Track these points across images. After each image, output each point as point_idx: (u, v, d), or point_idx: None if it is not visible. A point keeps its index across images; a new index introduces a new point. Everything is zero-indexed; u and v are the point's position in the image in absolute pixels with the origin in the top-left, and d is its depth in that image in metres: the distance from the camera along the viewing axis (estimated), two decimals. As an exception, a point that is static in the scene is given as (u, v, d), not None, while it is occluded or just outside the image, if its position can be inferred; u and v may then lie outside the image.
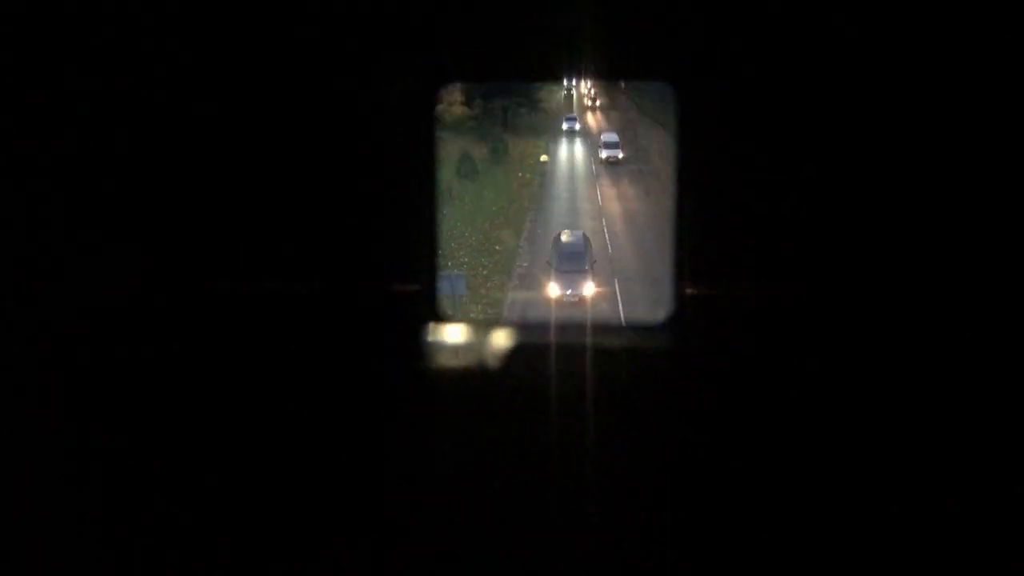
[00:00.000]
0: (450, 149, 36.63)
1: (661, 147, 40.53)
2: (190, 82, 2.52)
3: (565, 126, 54.56)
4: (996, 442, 2.45)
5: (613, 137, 48.72)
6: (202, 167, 2.56)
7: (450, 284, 24.60)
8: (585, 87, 58.68)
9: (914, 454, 2.53)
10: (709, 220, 2.81)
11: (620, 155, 46.17)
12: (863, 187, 2.51)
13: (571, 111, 57.21)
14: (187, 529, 2.60)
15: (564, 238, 31.21)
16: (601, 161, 46.84)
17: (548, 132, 52.49)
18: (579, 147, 51.12)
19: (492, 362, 2.95)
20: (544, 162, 47.01)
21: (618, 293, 27.81)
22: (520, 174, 40.64)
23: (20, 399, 2.48)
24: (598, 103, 62.92)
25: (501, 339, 3.04)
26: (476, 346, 3.01)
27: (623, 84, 55.30)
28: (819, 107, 2.51)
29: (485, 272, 29.52)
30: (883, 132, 2.48)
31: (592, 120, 58.29)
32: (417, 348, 2.94)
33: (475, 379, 2.91)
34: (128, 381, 2.55)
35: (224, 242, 2.61)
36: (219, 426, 2.60)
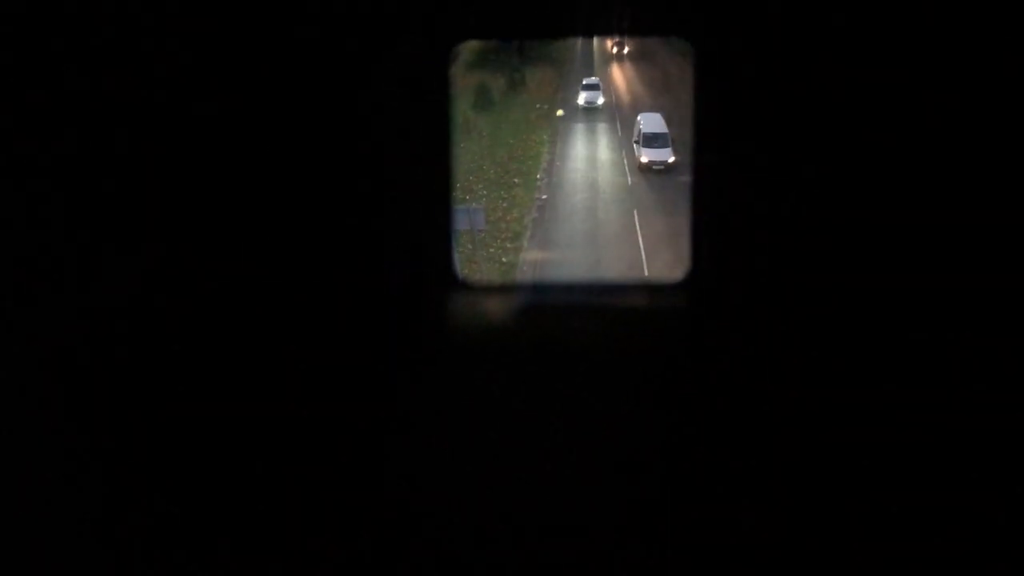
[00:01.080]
0: (466, 81, 36.11)
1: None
2: (196, 62, 2.51)
3: (583, 98, 36.48)
4: (996, 442, 2.47)
5: (657, 124, 29.82)
6: (208, 138, 2.55)
7: (468, 218, 24.44)
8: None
9: (914, 453, 2.54)
10: (728, 178, 2.79)
11: (671, 158, 28.28)
12: (884, 150, 2.48)
13: (590, 70, 39.98)
14: (189, 525, 2.66)
15: None
16: (640, 166, 29.13)
17: (555, 104, 36.32)
18: (602, 141, 33.00)
19: (509, 325, 2.97)
20: (560, 116, 34.68)
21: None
22: (538, 105, 39.48)
23: (20, 399, 2.52)
24: (625, 50, 43.36)
25: (517, 302, 3.06)
26: (493, 310, 3.03)
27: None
28: (844, 65, 2.47)
29: (505, 205, 29.38)
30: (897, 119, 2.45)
31: (619, 77, 40.50)
32: (434, 314, 2.96)
33: (493, 343, 2.93)
34: (128, 381, 2.59)
35: (231, 216, 2.61)
36: (230, 413, 2.64)
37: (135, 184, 2.54)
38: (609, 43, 44.24)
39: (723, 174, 2.78)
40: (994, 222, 2.44)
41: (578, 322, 2.98)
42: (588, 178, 30.67)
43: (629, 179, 29.30)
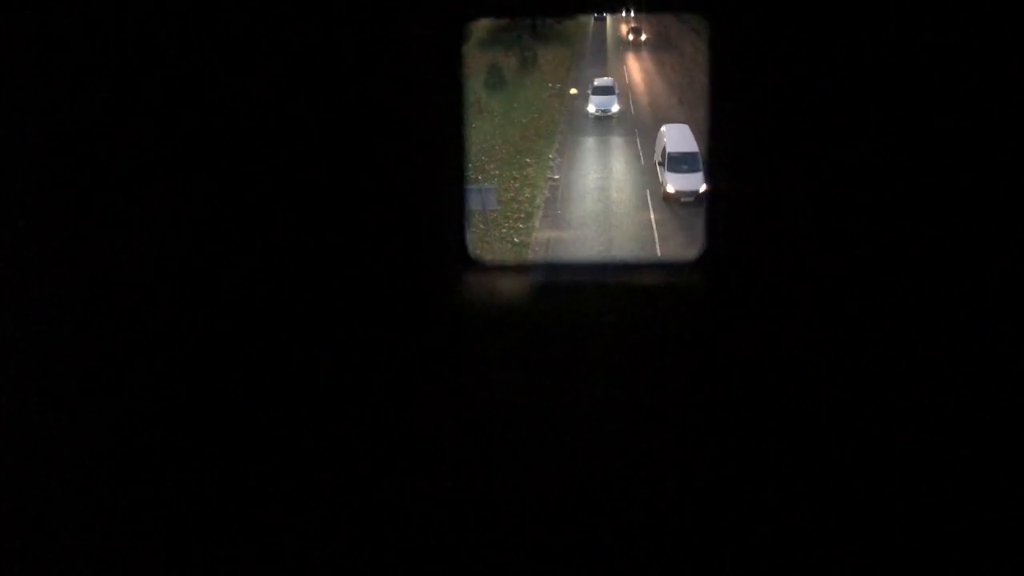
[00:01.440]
0: (478, 60, 35.92)
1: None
2: (212, 40, 2.50)
3: (593, 105, 31.36)
4: (996, 442, 2.45)
5: (685, 141, 23.33)
6: (222, 119, 2.55)
7: (480, 198, 24.41)
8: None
9: (925, 427, 2.54)
10: (744, 159, 2.78)
11: (702, 186, 19.90)
12: (904, 132, 2.46)
13: (602, 54, 34.38)
14: (191, 522, 2.66)
15: None
16: (665, 196, 23.20)
17: (562, 112, 32.21)
18: (618, 167, 26.75)
19: (523, 304, 2.98)
20: (574, 95, 31.61)
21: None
22: (550, 84, 39.16)
23: (20, 398, 2.51)
24: (643, 37, 37.82)
25: (531, 280, 3.06)
26: (506, 288, 3.04)
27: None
28: (859, 39, 2.45)
29: (517, 184, 29.37)
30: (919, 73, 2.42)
31: (635, 71, 35.35)
32: (447, 293, 2.98)
33: (506, 321, 2.94)
34: (129, 370, 2.59)
35: (243, 199, 2.62)
36: (245, 394, 2.65)
37: (139, 170, 2.54)
38: (624, 28, 40.10)
39: (739, 154, 2.77)
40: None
41: (591, 300, 2.98)
42: (600, 158, 29.06)
43: (652, 213, 23.21)
